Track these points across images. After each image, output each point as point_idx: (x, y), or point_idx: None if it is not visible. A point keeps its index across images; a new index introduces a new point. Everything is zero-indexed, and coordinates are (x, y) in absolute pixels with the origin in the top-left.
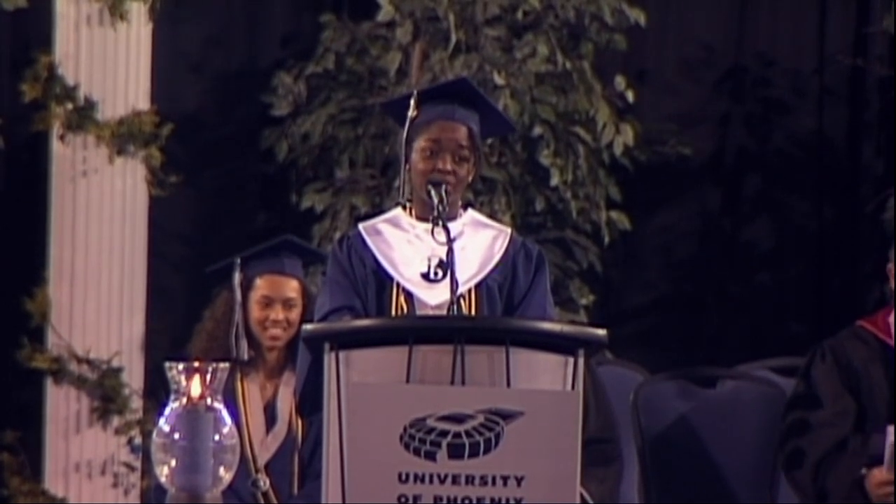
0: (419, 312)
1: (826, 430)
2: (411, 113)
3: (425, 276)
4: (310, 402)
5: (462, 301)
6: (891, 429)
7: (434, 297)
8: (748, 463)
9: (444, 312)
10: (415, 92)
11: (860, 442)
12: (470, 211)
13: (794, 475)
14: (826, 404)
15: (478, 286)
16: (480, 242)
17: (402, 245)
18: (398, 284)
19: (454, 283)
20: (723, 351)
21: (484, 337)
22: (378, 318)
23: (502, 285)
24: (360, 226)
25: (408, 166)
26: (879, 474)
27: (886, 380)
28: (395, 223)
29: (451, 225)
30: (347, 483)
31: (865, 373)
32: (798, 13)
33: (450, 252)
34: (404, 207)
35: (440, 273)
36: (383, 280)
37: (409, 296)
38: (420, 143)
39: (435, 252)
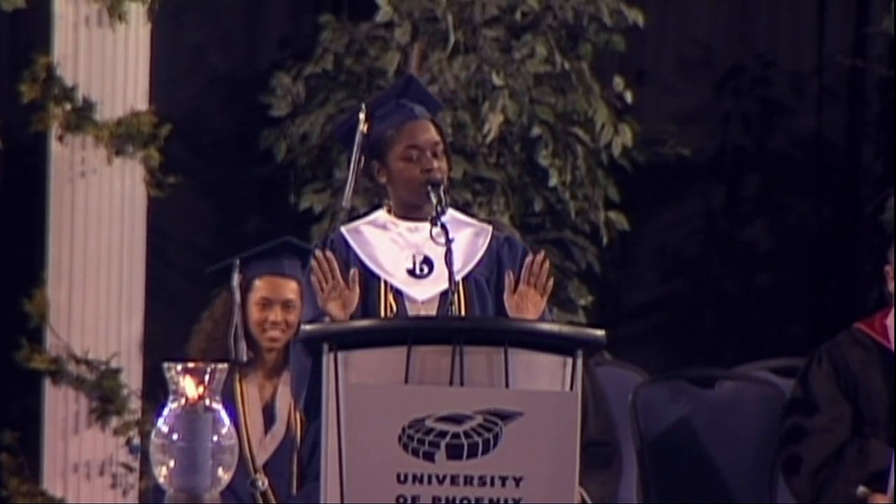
0: (409, 309)
1: (822, 436)
2: (362, 127)
3: (411, 273)
4: (315, 406)
5: (452, 295)
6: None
7: (422, 292)
8: (747, 464)
9: (434, 308)
10: (363, 105)
11: (857, 450)
12: (450, 209)
13: (792, 481)
14: (822, 410)
15: (465, 280)
16: (463, 239)
17: (386, 244)
18: (385, 283)
19: (452, 280)
20: (721, 351)
21: (482, 338)
22: (376, 318)
23: (489, 279)
24: (342, 228)
25: (384, 178)
26: (882, 499)
27: (884, 383)
28: (376, 224)
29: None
30: (346, 483)
31: (863, 377)
32: (797, 14)
33: (448, 252)
34: (381, 208)
35: (426, 269)
36: (369, 280)
37: (397, 293)
38: (397, 151)
39: (419, 249)
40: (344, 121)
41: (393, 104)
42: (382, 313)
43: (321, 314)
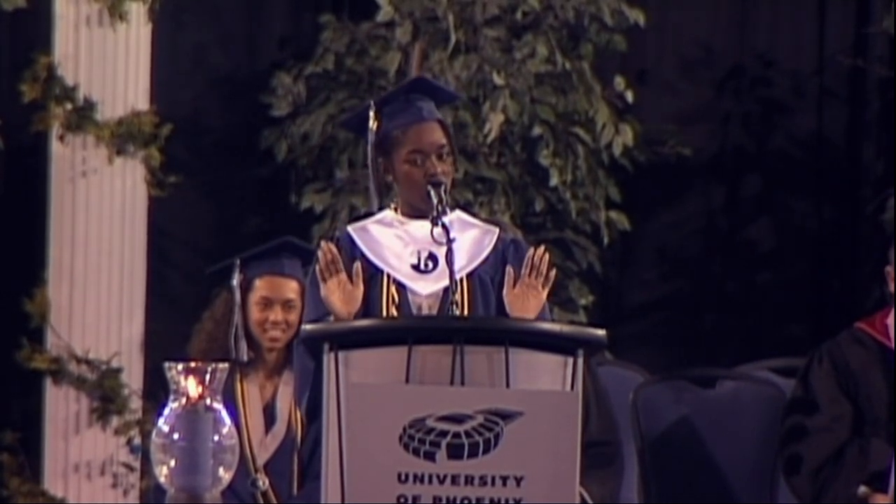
0: (411, 303)
1: (823, 435)
2: (372, 125)
3: (415, 268)
4: (316, 409)
5: (452, 295)
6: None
7: (425, 287)
8: (748, 463)
9: (436, 303)
10: (371, 103)
11: (858, 450)
12: (457, 210)
13: (793, 481)
14: (823, 409)
15: (470, 277)
16: (469, 238)
17: (391, 240)
18: (389, 276)
19: (453, 280)
20: (722, 351)
21: (483, 337)
22: (377, 318)
23: (493, 278)
24: (349, 227)
25: (389, 176)
26: (883, 499)
27: (885, 383)
28: (383, 222)
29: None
30: (347, 483)
31: (864, 377)
32: (798, 14)
33: (449, 252)
34: (389, 207)
35: (431, 265)
36: (373, 273)
37: (400, 287)
38: (402, 154)
39: (424, 245)
40: (353, 111)
41: (402, 101)
42: (385, 307)
43: (323, 315)
